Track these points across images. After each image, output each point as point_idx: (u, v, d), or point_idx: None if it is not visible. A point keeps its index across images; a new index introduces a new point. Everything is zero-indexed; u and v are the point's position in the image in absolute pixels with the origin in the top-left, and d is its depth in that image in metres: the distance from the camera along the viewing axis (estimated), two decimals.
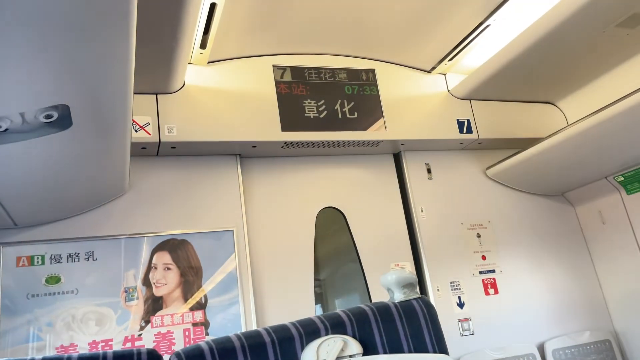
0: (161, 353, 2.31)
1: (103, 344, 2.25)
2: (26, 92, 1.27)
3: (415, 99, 2.98)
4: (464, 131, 3.02)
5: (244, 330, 2.46)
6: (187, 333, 2.38)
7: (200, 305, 2.45)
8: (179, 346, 2.35)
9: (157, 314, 2.37)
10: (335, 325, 1.27)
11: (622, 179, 2.86)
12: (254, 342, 1.20)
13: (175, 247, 2.50)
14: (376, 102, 2.87)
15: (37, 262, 2.29)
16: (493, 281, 2.96)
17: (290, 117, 2.67)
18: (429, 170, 3.09)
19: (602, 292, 3.14)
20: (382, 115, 2.85)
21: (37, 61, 1.15)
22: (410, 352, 1.28)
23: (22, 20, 1.01)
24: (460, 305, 2.84)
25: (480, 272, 2.95)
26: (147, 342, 2.31)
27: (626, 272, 2.97)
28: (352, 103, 2.82)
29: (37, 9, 0.99)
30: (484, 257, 2.99)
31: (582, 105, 3.18)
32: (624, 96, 2.28)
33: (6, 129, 1.42)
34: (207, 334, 2.42)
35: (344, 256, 2.90)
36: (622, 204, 2.94)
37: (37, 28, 1.04)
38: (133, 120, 2.38)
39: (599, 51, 2.67)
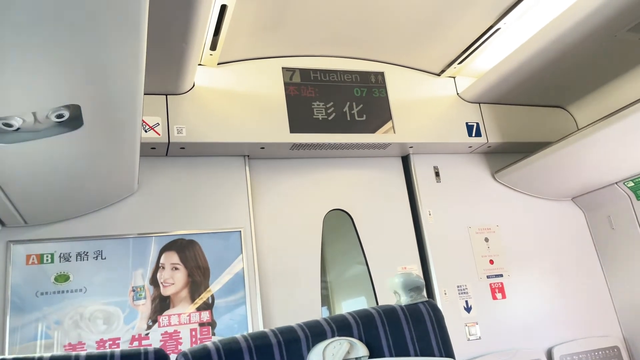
0: (168, 352, 2.32)
1: (110, 342, 2.27)
2: (38, 92, 1.28)
3: (424, 101, 2.98)
4: (473, 135, 3.01)
5: (250, 331, 2.46)
6: (193, 333, 2.39)
7: (207, 306, 2.46)
8: (185, 346, 2.36)
9: (164, 314, 2.38)
10: (342, 328, 1.27)
11: (632, 184, 2.84)
12: (260, 343, 1.20)
13: (183, 247, 2.51)
14: (385, 105, 2.87)
15: (47, 260, 2.31)
16: (501, 285, 2.94)
17: (299, 119, 2.68)
18: (437, 174, 3.08)
19: (611, 298, 3.11)
20: (391, 118, 2.85)
21: (49, 61, 1.16)
22: (416, 355, 1.28)
23: (34, 20, 1.02)
24: (468, 309, 2.83)
25: (488, 277, 2.94)
26: (154, 341, 2.33)
27: (636, 278, 2.95)
28: (361, 105, 2.82)
29: (48, 10, 1.00)
30: (491, 262, 2.98)
31: (593, 109, 3.16)
32: (635, 101, 2.27)
33: (18, 128, 1.43)
34: (213, 334, 2.43)
35: (351, 258, 2.89)
36: (632, 210, 2.92)
37: (49, 29, 1.05)
38: (143, 120, 2.40)
39: (610, 56, 2.65)
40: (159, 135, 2.43)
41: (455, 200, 3.05)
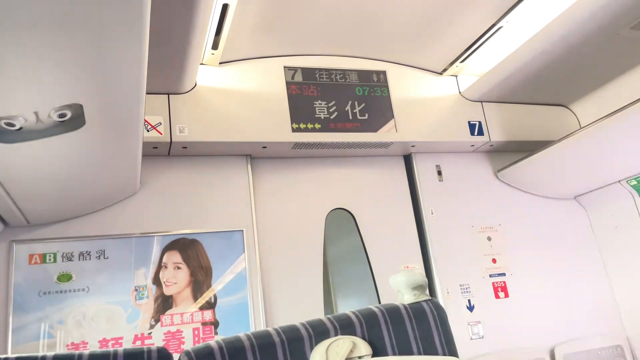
0: (170, 352, 2.32)
1: (113, 342, 2.27)
2: (40, 91, 1.28)
3: (426, 100, 2.97)
4: (475, 133, 3.00)
5: (253, 330, 2.46)
6: (196, 332, 2.39)
7: (210, 305, 2.46)
8: (188, 345, 2.36)
9: (166, 313, 2.38)
10: (345, 326, 1.27)
11: (635, 183, 2.83)
12: (263, 342, 1.20)
13: (185, 246, 2.51)
14: (387, 104, 2.87)
15: (49, 260, 2.31)
16: (503, 284, 2.94)
17: (301, 118, 2.67)
18: (439, 173, 3.07)
19: (614, 297, 3.10)
20: (393, 117, 2.85)
21: (51, 61, 1.16)
22: (419, 354, 1.27)
23: (36, 20, 1.02)
24: (470, 308, 2.82)
25: (491, 275, 2.93)
26: (157, 340, 2.33)
27: (639, 277, 2.94)
28: (363, 104, 2.82)
29: (50, 10, 1.00)
30: (494, 260, 2.98)
31: (595, 108, 3.15)
32: (638, 99, 2.26)
33: (20, 128, 1.43)
34: (216, 333, 2.43)
35: (353, 257, 2.89)
36: (635, 208, 2.91)
37: (51, 29, 1.05)
38: (145, 120, 2.40)
39: (613, 54, 2.64)
40: (161, 134, 2.44)
41: (458, 199, 3.05)
